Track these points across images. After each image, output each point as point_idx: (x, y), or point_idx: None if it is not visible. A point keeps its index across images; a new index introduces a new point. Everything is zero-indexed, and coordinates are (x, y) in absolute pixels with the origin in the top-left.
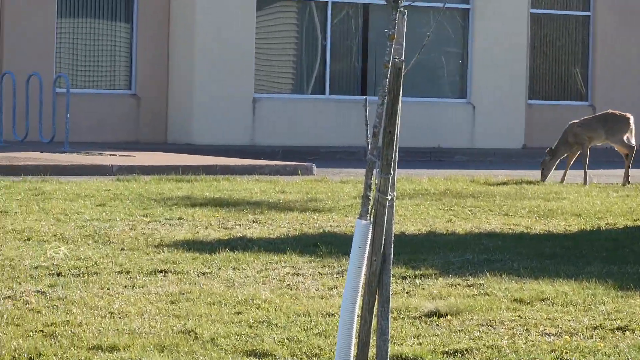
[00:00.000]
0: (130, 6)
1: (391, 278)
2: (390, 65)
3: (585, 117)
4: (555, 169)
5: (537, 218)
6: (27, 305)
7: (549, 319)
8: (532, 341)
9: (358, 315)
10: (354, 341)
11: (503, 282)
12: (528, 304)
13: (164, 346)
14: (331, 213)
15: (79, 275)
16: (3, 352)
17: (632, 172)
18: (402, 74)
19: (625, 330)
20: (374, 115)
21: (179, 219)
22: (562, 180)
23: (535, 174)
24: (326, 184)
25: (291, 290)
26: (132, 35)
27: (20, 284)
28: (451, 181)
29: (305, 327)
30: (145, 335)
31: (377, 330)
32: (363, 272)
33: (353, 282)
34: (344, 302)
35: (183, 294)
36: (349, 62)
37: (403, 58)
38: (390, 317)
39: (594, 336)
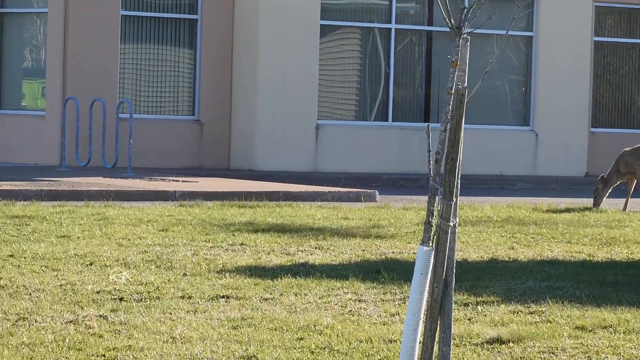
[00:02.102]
0: (194, 32)
1: (453, 305)
2: (453, 91)
3: (638, 146)
4: (614, 197)
5: (600, 246)
6: (89, 330)
7: (611, 346)
8: None
9: (420, 342)
10: None
11: (565, 310)
12: (590, 331)
13: None
14: (393, 239)
15: (141, 300)
16: None
17: None
18: (465, 100)
19: None
20: (437, 142)
21: (242, 244)
22: (625, 208)
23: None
24: (389, 210)
25: (353, 316)
26: (196, 61)
27: (82, 308)
28: (513, 208)
29: (367, 354)
30: None
31: (439, 357)
32: (425, 299)
33: (415, 308)
34: (406, 328)
35: (245, 319)
36: (412, 89)
37: (466, 85)
38: (452, 343)
39: None
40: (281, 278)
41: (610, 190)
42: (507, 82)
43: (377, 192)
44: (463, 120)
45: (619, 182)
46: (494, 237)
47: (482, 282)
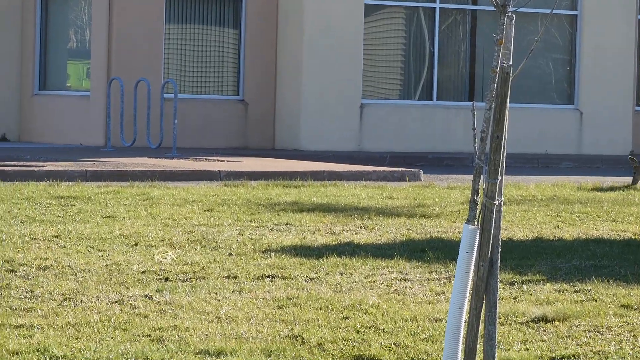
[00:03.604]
0: (239, 12)
1: (498, 283)
2: (498, 70)
3: None
4: None
5: None
6: (134, 310)
7: None
8: (639, 347)
9: (465, 321)
10: (461, 346)
11: (610, 288)
12: (636, 309)
13: (271, 351)
14: (438, 219)
15: (187, 280)
16: (111, 356)
17: None
18: (510, 78)
19: None
20: (482, 121)
21: (287, 224)
22: None
23: None
24: (433, 189)
25: (398, 295)
26: (240, 41)
27: (128, 288)
28: (558, 187)
29: (413, 333)
30: (252, 340)
31: (485, 336)
32: (470, 278)
33: (460, 287)
34: (451, 307)
35: (290, 299)
36: (457, 68)
37: (511, 63)
38: (497, 322)
39: None
40: (326, 257)
41: None
42: (551, 61)
43: (421, 171)
44: (508, 99)
45: None
46: (539, 215)
47: (527, 260)
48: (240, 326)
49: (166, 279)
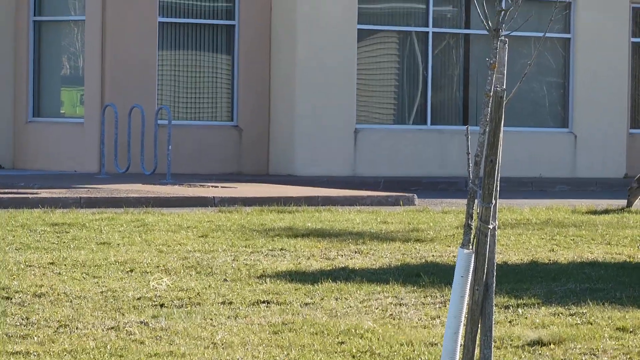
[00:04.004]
0: (232, 38)
1: (494, 307)
2: (491, 94)
3: None
4: None
5: None
6: (130, 336)
7: None
8: None
9: (461, 345)
10: None
11: (606, 311)
12: (631, 332)
13: None
14: (433, 243)
15: (182, 306)
16: None
17: None
18: (504, 102)
19: None
20: (476, 145)
21: (281, 249)
22: None
23: (638, 202)
24: (428, 214)
25: (394, 320)
26: (234, 67)
27: (123, 315)
28: (553, 211)
29: (408, 357)
30: None
31: (480, 359)
32: (466, 302)
33: (455, 311)
34: (447, 331)
35: (286, 324)
36: (450, 92)
37: (504, 87)
38: (493, 346)
39: None
40: (321, 283)
41: None
42: (545, 85)
43: (416, 196)
44: (502, 123)
45: None
46: (533, 239)
47: (522, 284)
48: (236, 352)
49: (161, 305)
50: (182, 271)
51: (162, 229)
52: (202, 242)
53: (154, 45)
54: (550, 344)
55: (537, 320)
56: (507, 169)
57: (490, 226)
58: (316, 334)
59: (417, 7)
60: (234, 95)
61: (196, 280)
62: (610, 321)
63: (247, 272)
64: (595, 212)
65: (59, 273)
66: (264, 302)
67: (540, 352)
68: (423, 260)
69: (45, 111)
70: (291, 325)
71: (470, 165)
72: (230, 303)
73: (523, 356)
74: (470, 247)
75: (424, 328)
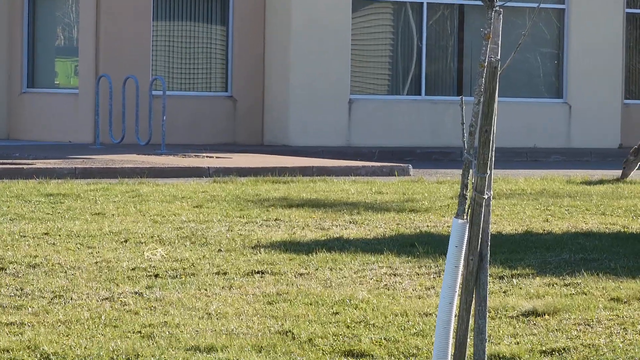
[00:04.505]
0: (226, 8)
1: (488, 277)
2: (486, 64)
3: None
4: None
5: (634, 217)
6: (124, 307)
7: None
8: (629, 340)
9: (455, 315)
10: (451, 340)
11: (600, 281)
12: (625, 302)
13: (262, 347)
14: (428, 213)
15: (177, 276)
16: (102, 353)
17: None
18: (498, 73)
19: None
20: (470, 115)
21: (276, 220)
22: None
23: (633, 174)
24: (422, 184)
25: (388, 290)
26: (228, 37)
27: (117, 285)
28: (547, 181)
29: (403, 327)
30: (243, 336)
31: (475, 330)
32: (460, 272)
33: (450, 281)
34: (442, 301)
35: (280, 294)
36: (445, 63)
37: (499, 57)
38: (487, 316)
39: None
40: (316, 253)
41: None
42: (539, 55)
43: (410, 166)
44: (496, 93)
45: None
46: (528, 209)
47: (516, 254)
48: (230, 322)
49: (156, 276)
50: (176, 241)
51: (157, 199)
52: (197, 213)
53: (148, 16)
54: (544, 314)
55: (532, 291)
56: (502, 139)
57: (485, 196)
58: (310, 304)
59: None
60: (228, 65)
61: (190, 250)
62: (604, 291)
63: (241, 243)
64: (589, 183)
65: (54, 244)
66: (258, 272)
67: (534, 322)
68: (417, 231)
69: (39, 82)
70: (285, 295)
71: (465, 135)
72: (225, 273)
73: (517, 326)
74: (465, 217)
75: (419, 298)
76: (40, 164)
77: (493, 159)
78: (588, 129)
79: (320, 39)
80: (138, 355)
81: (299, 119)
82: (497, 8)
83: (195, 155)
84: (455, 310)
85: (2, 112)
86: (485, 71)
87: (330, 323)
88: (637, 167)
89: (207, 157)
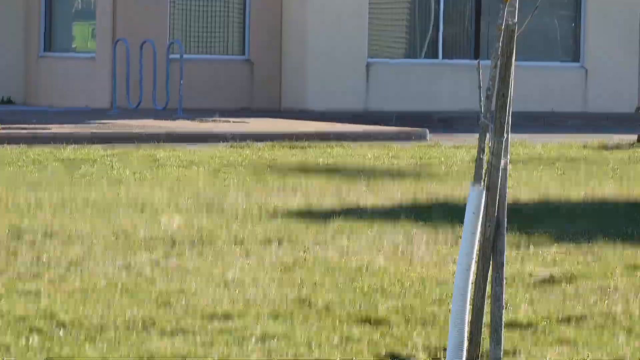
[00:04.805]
0: None
1: (505, 244)
2: (503, 27)
3: None
4: None
5: None
6: (141, 275)
7: None
8: None
9: (472, 282)
10: (468, 307)
11: (617, 248)
12: None
13: (279, 314)
14: (445, 179)
15: (193, 244)
16: (118, 321)
17: None
18: (515, 36)
19: None
20: (487, 79)
21: (293, 187)
22: None
23: None
24: (439, 149)
25: (405, 257)
26: (246, 0)
27: (134, 253)
28: (564, 146)
29: (420, 295)
30: (260, 304)
31: (492, 297)
32: (477, 239)
33: (467, 248)
34: (458, 268)
35: (297, 262)
36: (462, 26)
37: (516, 20)
38: (504, 283)
39: None
40: (333, 221)
41: None
42: (556, 18)
43: (427, 131)
44: (514, 56)
45: None
46: (545, 175)
47: (533, 222)
48: (247, 290)
49: (173, 244)
50: (193, 209)
51: (174, 164)
52: (214, 179)
53: None
54: (561, 282)
55: (549, 258)
56: (519, 103)
57: (502, 161)
58: (327, 272)
59: None
60: (245, 29)
61: (207, 218)
62: (621, 258)
63: (258, 210)
64: (606, 148)
65: (70, 212)
66: (275, 240)
67: (551, 289)
68: (434, 197)
69: (56, 46)
70: (302, 263)
71: (482, 99)
72: (242, 241)
73: (534, 293)
74: (482, 182)
75: (435, 266)
76: (56, 128)
77: (510, 123)
78: (605, 93)
79: (338, 2)
80: (154, 322)
81: (316, 83)
82: None
83: (212, 120)
84: (472, 277)
85: (19, 76)
86: (502, 34)
87: (347, 291)
88: None
89: (224, 121)
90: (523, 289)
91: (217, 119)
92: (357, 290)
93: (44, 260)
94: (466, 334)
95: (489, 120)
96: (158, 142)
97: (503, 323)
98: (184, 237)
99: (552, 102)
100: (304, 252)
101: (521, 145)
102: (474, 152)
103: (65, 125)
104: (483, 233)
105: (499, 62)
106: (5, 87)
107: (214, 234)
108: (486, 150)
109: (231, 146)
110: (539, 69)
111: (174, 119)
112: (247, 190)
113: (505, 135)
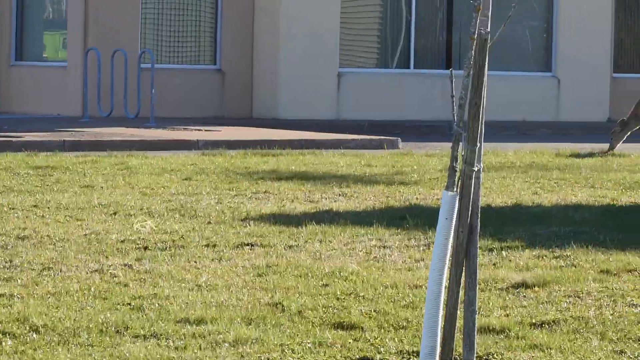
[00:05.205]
0: None
1: (478, 249)
2: (475, 36)
3: None
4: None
5: (623, 190)
6: (114, 279)
7: (636, 290)
8: (619, 312)
9: (445, 287)
10: (441, 313)
11: (590, 254)
12: (615, 275)
13: (252, 319)
14: (417, 186)
15: (166, 248)
16: (91, 325)
17: None
18: (488, 45)
19: None
20: (460, 88)
21: (265, 192)
22: None
23: (621, 147)
24: (412, 157)
25: (378, 262)
26: (217, 10)
27: (107, 257)
28: (536, 154)
29: (393, 299)
30: (233, 308)
31: (465, 302)
32: (450, 244)
33: (440, 253)
34: (431, 273)
35: (270, 266)
36: (434, 36)
37: (489, 30)
38: (477, 288)
39: None
40: (305, 225)
41: (627, 135)
42: (528, 28)
43: (399, 140)
44: (486, 66)
45: (637, 127)
46: (517, 182)
47: (506, 227)
48: (220, 294)
49: (145, 248)
50: (165, 214)
51: (146, 172)
52: (186, 185)
53: None
54: (534, 286)
55: (521, 263)
56: (491, 112)
57: (475, 168)
58: (300, 276)
59: None
60: (217, 38)
61: (180, 222)
62: (594, 264)
63: (231, 215)
64: (578, 156)
65: (42, 216)
66: (248, 244)
67: (524, 294)
68: (407, 203)
69: (28, 55)
70: (275, 267)
71: (455, 108)
72: (214, 246)
73: (507, 298)
74: (455, 189)
75: (408, 270)
76: (29, 136)
77: (483, 132)
78: (577, 103)
79: (309, 11)
80: (127, 327)
81: (288, 92)
82: None
83: (184, 128)
84: (445, 282)
85: None
86: (475, 43)
87: (320, 295)
88: (623, 139)
89: (196, 130)
90: (496, 294)
91: (189, 127)
92: (330, 294)
93: (17, 263)
94: (439, 339)
95: (462, 129)
96: (130, 150)
97: (476, 328)
98: (156, 241)
99: (525, 111)
100: (277, 256)
101: (493, 153)
102: (447, 160)
103: (37, 133)
104: (456, 239)
105: (471, 71)
106: None
107: (187, 238)
108: (459, 158)
109: (203, 154)
110: (511, 78)
111: (146, 127)
112: (219, 196)
113: (478, 143)
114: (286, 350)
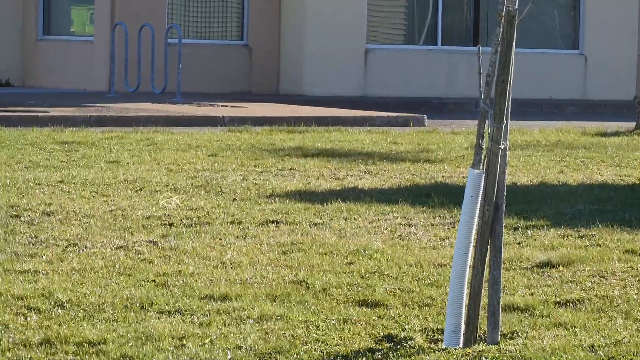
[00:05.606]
0: None
1: (503, 228)
2: (503, 13)
3: None
4: None
5: None
6: (139, 256)
7: None
8: None
9: (470, 266)
10: (465, 291)
11: (615, 233)
12: None
13: (276, 296)
14: (443, 164)
15: (191, 225)
16: (116, 301)
17: None
18: (516, 22)
19: None
20: (487, 65)
21: (291, 169)
22: None
23: None
24: (438, 135)
25: (403, 240)
26: None
27: (132, 234)
28: (562, 132)
29: (417, 278)
30: (257, 285)
31: (489, 280)
32: (475, 222)
33: (465, 231)
34: (456, 252)
35: (295, 244)
36: (461, 13)
37: (516, 7)
38: (502, 267)
39: None
40: (331, 203)
41: None
42: (555, 6)
43: (425, 117)
44: (514, 43)
45: None
46: (543, 161)
47: (531, 206)
48: (244, 271)
49: (170, 225)
50: (191, 190)
51: (172, 147)
52: (212, 162)
53: None
54: (559, 266)
55: (546, 242)
56: (517, 90)
57: (502, 146)
58: (325, 254)
59: None
60: (244, 14)
61: (205, 199)
62: (619, 243)
63: (256, 192)
64: (604, 134)
65: (68, 191)
66: (273, 221)
67: (549, 273)
68: (433, 181)
69: (55, 30)
70: (300, 245)
71: (482, 85)
72: (239, 222)
73: (532, 277)
74: (481, 167)
75: (433, 249)
76: (55, 111)
77: (509, 109)
78: (603, 81)
79: None
80: (152, 303)
81: (314, 68)
82: None
83: (210, 104)
84: (469, 261)
85: (17, 60)
86: (502, 20)
87: (344, 273)
88: None
89: (222, 106)
90: (521, 272)
91: (215, 103)
92: (355, 272)
93: (42, 239)
94: (463, 317)
95: (488, 107)
96: (156, 126)
97: (500, 306)
98: (181, 217)
99: (551, 89)
100: (302, 234)
101: (519, 131)
102: (472, 138)
103: (63, 109)
104: (481, 217)
105: (499, 48)
106: (3, 70)
107: (212, 215)
108: (485, 135)
109: (229, 130)
110: (539, 56)
111: (172, 103)
112: (244, 173)
113: (504, 121)
114: (311, 327)
